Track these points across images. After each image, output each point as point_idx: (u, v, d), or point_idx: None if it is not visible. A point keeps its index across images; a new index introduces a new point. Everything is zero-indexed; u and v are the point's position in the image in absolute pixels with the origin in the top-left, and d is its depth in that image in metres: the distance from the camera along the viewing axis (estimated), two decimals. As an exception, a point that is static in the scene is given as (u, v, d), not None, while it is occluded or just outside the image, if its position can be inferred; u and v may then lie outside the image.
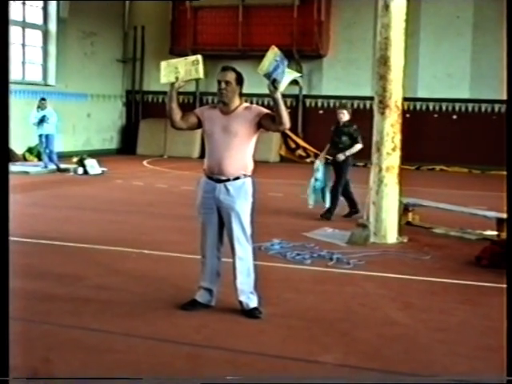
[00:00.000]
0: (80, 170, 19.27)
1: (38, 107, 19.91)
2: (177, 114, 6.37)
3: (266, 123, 6.17)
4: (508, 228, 4.81)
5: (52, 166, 19.91)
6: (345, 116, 12.54)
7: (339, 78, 25.63)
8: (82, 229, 10.86)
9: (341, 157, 12.21)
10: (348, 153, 12.25)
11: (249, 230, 6.32)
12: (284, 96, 5.97)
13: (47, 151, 19.88)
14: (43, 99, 20.20)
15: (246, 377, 4.90)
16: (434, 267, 8.72)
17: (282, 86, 5.99)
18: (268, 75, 5.93)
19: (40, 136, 19.90)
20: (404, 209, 11.37)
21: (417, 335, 6.05)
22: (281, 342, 5.72)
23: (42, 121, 19.65)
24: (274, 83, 5.90)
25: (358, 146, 12.34)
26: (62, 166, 19.90)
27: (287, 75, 6.01)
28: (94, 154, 22.08)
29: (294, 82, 6.77)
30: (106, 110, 27.49)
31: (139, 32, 27.93)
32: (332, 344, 5.72)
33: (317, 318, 6.43)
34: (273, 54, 5.94)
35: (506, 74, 3.70)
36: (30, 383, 4.82)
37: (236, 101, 6.28)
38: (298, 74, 6.72)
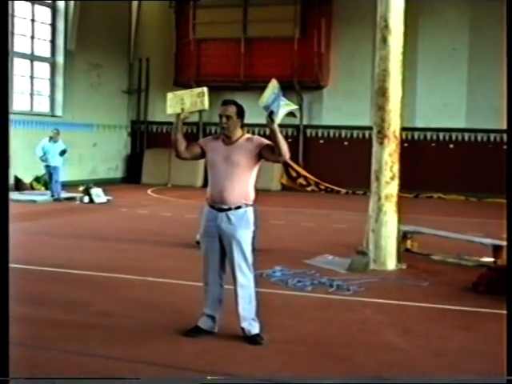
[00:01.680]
0: (86, 199, 19.28)
1: (51, 138, 19.47)
2: (182, 144, 6.39)
3: (266, 154, 6.18)
4: (508, 246, 4.81)
5: (62, 195, 19.74)
6: None
7: (339, 109, 25.72)
8: (88, 256, 10.85)
9: None
10: None
11: (250, 258, 6.31)
12: (285, 126, 6.04)
13: (54, 182, 19.60)
14: (57, 130, 19.82)
15: (246, 377, 4.87)
16: (432, 293, 8.70)
17: (278, 118, 6.03)
18: (266, 107, 5.97)
19: (47, 167, 19.59)
20: (403, 236, 11.36)
21: (416, 360, 6.02)
22: (282, 368, 5.70)
23: (63, 152, 19.38)
24: (271, 115, 5.93)
25: None
26: (68, 195, 19.94)
27: (284, 107, 6.05)
28: (99, 182, 22.11)
29: (291, 115, 6.74)
30: (111, 140, 27.57)
31: (144, 64, 28.09)
32: (332, 369, 5.70)
33: (317, 344, 6.41)
34: (272, 86, 5.98)
35: (506, 84, 3.72)
36: (30, 383, 4.79)
37: (238, 132, 6.30)
38: (295, 107, 6.75)
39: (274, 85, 5.98)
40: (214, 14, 26.08)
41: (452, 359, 6.09)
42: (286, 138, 6.13)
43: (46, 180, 20.60)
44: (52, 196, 19.62)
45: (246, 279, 6.30)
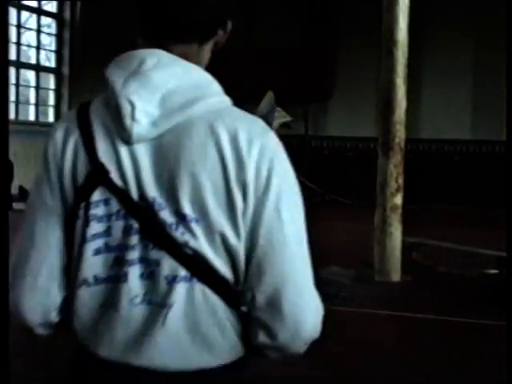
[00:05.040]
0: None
1: None
2: None
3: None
4: (508, 252, 4.80)
5: None
6: None
7: (344, 120, 25.71)
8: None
9: None
10: None
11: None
12: (289, 137, 6.02)
13: None
14: None
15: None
16: (437, 305, 8.69)
17: (273, 128, 6.07)
18: (262, 117, 5.99)
19: None
20: (408, 247, 11.33)
21: (421, 371, 6.01)
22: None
23: None
24: None
25: None
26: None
27: (279, 119, 6.09)
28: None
29: (286, 126, 6.74)
30: (116, 151, 27.60)
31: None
32: (333, 375, 5.69)
33: (321, 354, 6.40)
34: (269, 97, 6.02)
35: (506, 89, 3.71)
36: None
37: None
38: (290, 118, 6.80)
39: (270, 96, 6.03)
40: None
41: (457, 371, 6.08)
42: (290, 149, 6.14)
43: None
44: None
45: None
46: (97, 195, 1.70)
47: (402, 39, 10.19)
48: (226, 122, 1.72)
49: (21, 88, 24.14)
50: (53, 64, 25.14)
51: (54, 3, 24.94)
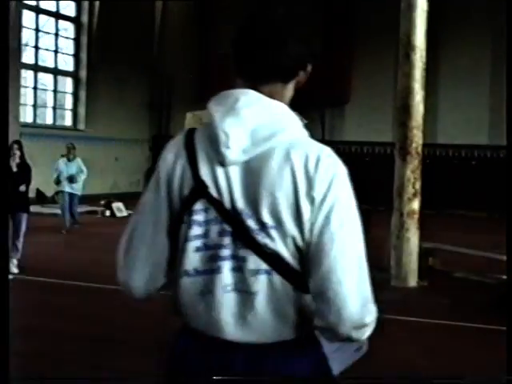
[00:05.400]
0: (107, 213, 19.36)
1: (67, 156, 15.97)
2: None
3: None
4: (508, 257, 4.79)
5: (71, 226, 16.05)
6: None
7: (361, 124, 25.69)
8: (109, 270, 10.84)
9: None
10: None
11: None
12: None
13: (72, 210, 16.10)
14: (72, 145, 16.22)
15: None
16: (453, 311, 8.65)
17: None
18: None
19: (63, 193, 16.03)
20: (425, 253, 11.30)
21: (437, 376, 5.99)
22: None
23: (71, 180, 15.79)
24: None
25: None
26: (89, 208, 19.97)
27: None
28: (120, 196, 22.20)
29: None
30: (133, 154, 27.64)
31: (167, 79, 28.21)
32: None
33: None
34: None
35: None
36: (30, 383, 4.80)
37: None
38: (305, 121, 6.81)
39: None
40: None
41: (473, 378, 6.05)
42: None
43: (63, 209, 16.16)
44: (72, 221, 16.17)
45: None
46: (198, 205, 2.20)
47: (419, 44, 10.17)
48: (299, 150, 2.17)
49: (38, 91, 24.26)
50: (70, 68, 25.24)
51: (73, 7, 25.06)
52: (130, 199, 23.11)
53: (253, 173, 2.16)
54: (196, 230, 2.20)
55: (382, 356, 6.62)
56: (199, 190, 2.20)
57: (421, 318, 8.21)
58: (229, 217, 2.16)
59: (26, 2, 22.43)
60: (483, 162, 24.72)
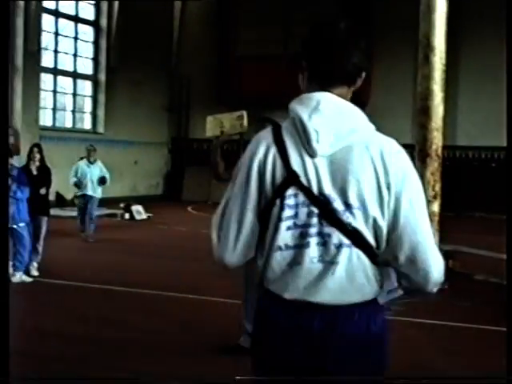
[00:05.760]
0: (127, 216, 19.41)
1: (88, 158, 15.30)
2: (221, 167, 6.43)
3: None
4: (508, 257, 4.76)
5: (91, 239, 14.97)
6: None
7: (379, 126, 24.50)
8: (126, 273, 10.90)
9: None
10: None
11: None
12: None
13: (88, 216, 15.22)
14: (92, 146, 15.64)
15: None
16: (474, 314, 8.60)
17: None
18: None
19: (82, 197, 15.25)
20: (445, 255, 11.21)
21: (455, 381, 5.95)
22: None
23: (103, 181, 15.31)
24: None
25: None
26: (108, 211, 19.99)
27: None
28: (140, 199, 22.26)
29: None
30: (152, 157, 27.68)
31: (185, 81, 28.25)
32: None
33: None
34: None
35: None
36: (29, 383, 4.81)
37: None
38: None
39: None
40: (257, 30, 26.16)
41: (493, 382, 6.01)
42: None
43: (80, 213, 15.46)
44: (83, 232, 15.19)
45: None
46: (290, 191, 2.63)
47: (439, 45, 10.12)
48: (375, 144, 2.69)
49: (58, 95, 24.38)
50: (89, 71, 25.35)
51: (92, 11, 25.17)
52: (149, 202, 23.24)
53: (338, 163, 2.60)
54: (288, 212, 2.62)
55: (404, 359, 6.59)
56: (291, 178, 2.62)
57: (441, 320, 8.18)
58: (316, 200, 2.61)
59: (45, 5, 22.53)
60: (503, 163, 24.58)
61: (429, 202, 10.10)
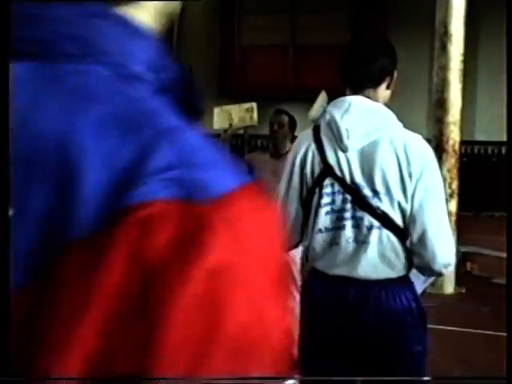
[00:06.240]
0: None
1: None
2: None
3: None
4: (508, 258, 4.79)
5: None
6: None
7: (393, 120, 25.57)
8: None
9: None
10: None
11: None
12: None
13: None
14: None
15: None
16: (493, 320, 8.59)
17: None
18: (314, 121, 5.96)
19: None
20: (462, 258, 11.25)
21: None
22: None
23: None
24: None
25: None
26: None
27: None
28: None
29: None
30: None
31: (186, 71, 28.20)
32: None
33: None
34: (322, 99, 5.98)
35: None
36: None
37: (287, 145, 6.31)
38: None
39: (323, 97, 5.98)
40: (261, 19, 26.12)
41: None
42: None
43: None
44: None
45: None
46: (326, 181, 3.30)
47: (457, 34, 10.10)
48: (399, 138, 3.30)
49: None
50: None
51: None
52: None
53: (366, 156, 3.23)
54: (326, 200, 3.29)
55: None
56: (327, 171, 3.29)
57: (458, 326, 8.18)
58: (349, 188, 3.24)
59: None
60: (525, 160, 24.54)
61: (445, 201, 10.10)
